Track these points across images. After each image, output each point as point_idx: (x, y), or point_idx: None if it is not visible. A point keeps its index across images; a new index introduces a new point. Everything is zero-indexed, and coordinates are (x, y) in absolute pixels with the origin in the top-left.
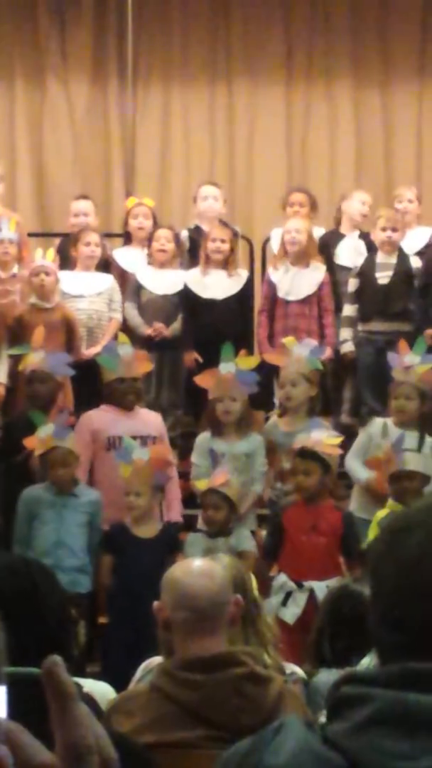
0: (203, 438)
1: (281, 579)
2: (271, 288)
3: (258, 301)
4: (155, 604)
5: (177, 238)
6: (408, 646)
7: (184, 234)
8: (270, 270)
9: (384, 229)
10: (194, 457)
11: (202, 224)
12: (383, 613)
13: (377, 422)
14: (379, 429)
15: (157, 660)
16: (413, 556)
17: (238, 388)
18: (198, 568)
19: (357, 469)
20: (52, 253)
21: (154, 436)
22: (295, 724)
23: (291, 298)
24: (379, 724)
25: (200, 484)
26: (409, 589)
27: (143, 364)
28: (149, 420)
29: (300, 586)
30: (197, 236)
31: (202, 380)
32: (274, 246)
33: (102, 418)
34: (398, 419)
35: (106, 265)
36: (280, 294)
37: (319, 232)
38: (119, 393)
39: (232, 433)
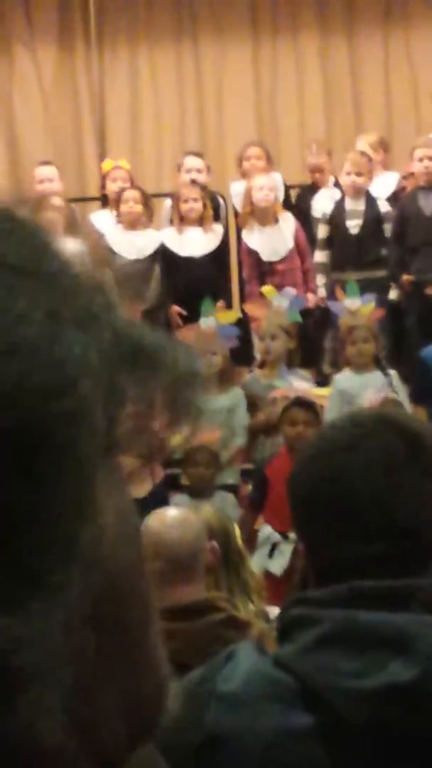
0: None
1: (267, 531)
2: (253, 255)
3: (234, 257)
4: None
5: (146, 199)
6: (345, 567)
7: (168, 203)
8: (244, 235)
9: (349, 174)
10: None
11: None
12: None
13: (341, 377)
14: (348, 380)
15: None
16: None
17: (218, 342)
18: (172, 518)
19: None
20: None
21: None
22: (245, 650)
23: (275, 258)
24: (329, 644)
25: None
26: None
27: None
28: None
29: (285, 537)
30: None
31: (183, 335)
32: (236, 202)
33: None
34: (358, 363)
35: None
36: (264, 257)
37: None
38: None
39: (212, 388)
